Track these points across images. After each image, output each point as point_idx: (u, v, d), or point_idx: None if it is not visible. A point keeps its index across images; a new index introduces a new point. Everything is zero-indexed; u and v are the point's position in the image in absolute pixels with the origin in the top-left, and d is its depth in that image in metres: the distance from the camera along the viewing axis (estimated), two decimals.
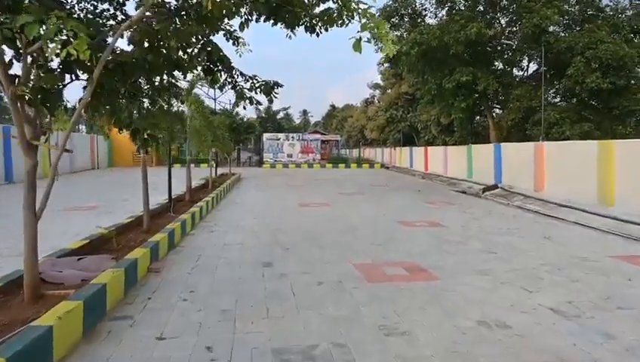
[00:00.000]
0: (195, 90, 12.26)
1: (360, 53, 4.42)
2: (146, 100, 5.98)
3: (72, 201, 13.49)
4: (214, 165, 20.15)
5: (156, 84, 6.04)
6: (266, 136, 39.99)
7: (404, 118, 32.64)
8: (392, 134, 36.87)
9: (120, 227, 7.94)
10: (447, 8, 21.10)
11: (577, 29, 18.87)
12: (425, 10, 21.47)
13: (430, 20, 21.83)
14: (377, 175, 29.86)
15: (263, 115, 47.64)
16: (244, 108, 5.82)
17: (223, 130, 14.10)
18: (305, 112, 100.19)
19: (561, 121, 17.46)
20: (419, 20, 21.04)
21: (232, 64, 4.89)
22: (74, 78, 4.49)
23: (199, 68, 4.92)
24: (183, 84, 11.81)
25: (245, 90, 4.97)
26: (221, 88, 5.07)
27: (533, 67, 22.83)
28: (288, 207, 12.95)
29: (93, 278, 4.81)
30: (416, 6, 20.67)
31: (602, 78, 16.33)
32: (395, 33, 20.22)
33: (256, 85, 4.92)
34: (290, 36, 6.60)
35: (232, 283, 5.56)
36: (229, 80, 4.97)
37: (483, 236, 8.76)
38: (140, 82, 5.72)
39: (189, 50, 4.67)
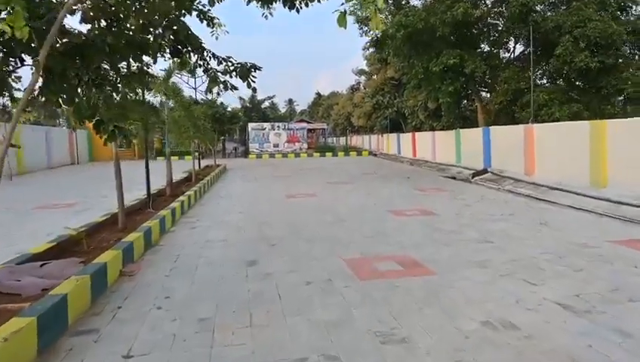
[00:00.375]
0: (175, 80, 11.65)
1: (345, 28, 3.98)
2: (111, 89, 5.44)
3: (48, 199, 12.85)
4: (198, 157, 19.53)
5: (123, 70, 5.52)
6: (251, 125, 39.24)
7: (390, 103, 32.14)
8: (379, 121, 36.41)
9: (93, 226, 7.41)
10: None
11: (564, 8, 18.53)
12: None
13: (415, 2, 21.35)
14: (365, 163, 29.49)
15: (248, 104, 46.71)
16: (219, 93, 5.32)
17: (205, 121, 13.51)
18: (290, 101, 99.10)
19: (550, 103, 17.18)
20: (403, 2, 20.48)
21: (203, 44, 4.36)
22: (19, 62, 3.95)
23: (167, 50, 4.38)
24: (157, 71, 11.18)
25: (219, 74, 4.46)
26: (192, 72, 4.57)
27: (519, 48, 22.53)
28: (275, 199, 12.48)
29: (56, 286, 4.32)
30: None
31: (591, 57, 16.05)
32: (380, 16, 19.69)
33: (231, 68, 4.41)
34: (266, 16, 6.09)
35: (213, 285, 5.11)
36: (200, 62, 4.45)
37: (477, 224, 8.42)
38: (106, 69, 5.19)
39: (152, 30, 4.14)
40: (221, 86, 4.44)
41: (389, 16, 19.90)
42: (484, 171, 18.12)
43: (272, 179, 18.75)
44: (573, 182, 12.20)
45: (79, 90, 4.77)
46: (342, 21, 3.94)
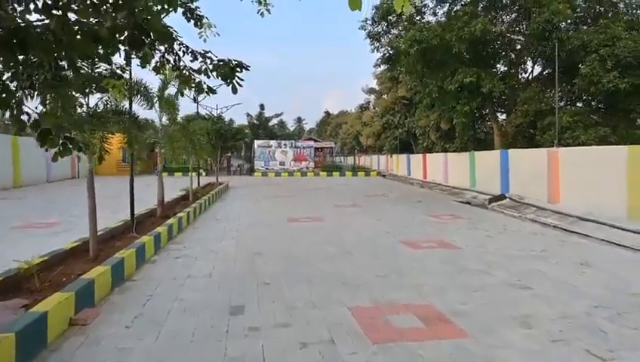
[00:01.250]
0: (171, 92, 10.71)
1: (359, 9, 2.94)
2: (71, 90, 4.43)
3: (33, 217, 11.87)
4: (200, 174, 18.55)
5: (83, 69, 4.54)
6: (257, 143, 38.42)
7: (401, 123, 31.10)
8: (389, 141, 35.41)
9: (58, 255, 6.33)
10: (447, 5, 19.71)
11: (589, 26, 17.54)
12: (424, 7, 20.09)
13: (429, 18, 20.50)
14: (374, 184, 28.37)
15: (255, 121, 46.05)
16: (195, 100, 4.28)
17: (201, 136, 12.56)
18: (299, 119, 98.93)
19: (574, 125, 16.03)
20: (417, 18, 19.63)
21: (173, 33, 3.33)
22: None
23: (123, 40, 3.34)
24: (151, 82, 10.24)
25: (193, 73, 3.41)
26: (157, 70, 3.51)
27: (538, 69, 21.53)
28: (275, 223, 11.37)
29: None
30: (415, 3, 19.27)
31: (620, 78, 14.93)
32: (393, 31, 18.81)
33: (210, 66, 3.37)
34: (262, 13, 5.13)
35: (181, 345, 3.97)
36: (169, 58, 3.42)
37: (507, 261, 7.22)
38: (63, 65, 4.18)
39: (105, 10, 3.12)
40: (194, 89, 3.40)
41: (403, 32, 19.03)
42: (502, 197, 16.89)
43: (275, 199, 17.68)
44: (605, 212, 10.97)
45: (21, 91, 3.76)
46: (355, 3, 2.94)
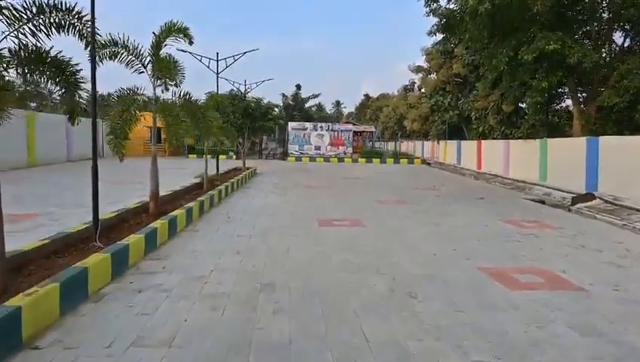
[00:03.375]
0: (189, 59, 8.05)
1: None
2: None
3: (16, 206, 9.66)
4: (216, 157, 16.04)
5: None
6: (291, 125, 35.77)
7: (452, 105, 27.35)
8: (435, 125, 31.79)
9: None
10: None
11: None
12: None
13: None
14: (419, 173, 25.12)
15: (290, 102, 43.25)
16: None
17: (208, 112, 9.95)
18: (338, 103, 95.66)
19: None
20: None
21: None
22: None
23: None
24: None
25: None
26: None
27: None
28: (302, 227, 8.63)
29: None
30: None
31: None
32: None
33: None
34: None
35: None
36: None
37: None
38: None
39: None
40: None
41: None
42: (590, 196, 13.38)
43: (307, 190, 14.94)
44: None
45: None
46: None
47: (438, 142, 34.19)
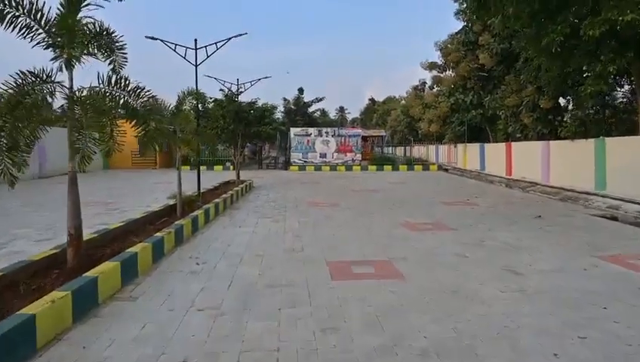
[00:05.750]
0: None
1: None
2: None
3: None
4: (197, 169, 12.94)
5: None
6: (293, 131, 32.65)
7: (474, 103, 24.01)
8: (452, 127, 28.56)
9: None
10: None
11: None
12: None
13: None
14: (440, 182, 21.92)
15: (292, 106, 40.16)
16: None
17: (184, 117, 7.00)
18: (342, 109, 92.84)
19: None
20: None
21: None
22: None
23: None
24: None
25: None
26: None
27: None
28: (303, 283, 5.47)
29: None
30: None
31: None
32: None
33: None
34: None
35: None
36: None
37: None
38: None
39: None
40: None
41: None
42: None
43: (311, 211, 11.80)
44: None
45: None
46: None
47: (455, 146, 30.96)
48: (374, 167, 30.94)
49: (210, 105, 15.61)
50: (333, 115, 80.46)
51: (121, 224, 7.96)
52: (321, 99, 42.44)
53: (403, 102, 47.19)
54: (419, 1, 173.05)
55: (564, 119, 18.48)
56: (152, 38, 12.10)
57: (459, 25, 24.67)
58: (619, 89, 15.87)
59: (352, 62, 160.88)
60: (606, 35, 10.94)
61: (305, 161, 31.91)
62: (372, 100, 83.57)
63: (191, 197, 10.95)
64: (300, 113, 40.61)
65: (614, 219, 11.29)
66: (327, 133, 32.89)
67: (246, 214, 11.24)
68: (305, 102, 42.04)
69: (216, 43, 12.20)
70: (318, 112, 48.49)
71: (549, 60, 13.36)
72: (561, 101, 19.28)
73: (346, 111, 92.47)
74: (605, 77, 12.05)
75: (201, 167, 32.50)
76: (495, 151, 23.71)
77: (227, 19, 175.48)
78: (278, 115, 29.60)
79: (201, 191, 14.22)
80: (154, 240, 6.63)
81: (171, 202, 10.45)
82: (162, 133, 6.63)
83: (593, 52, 12.21)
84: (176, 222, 8.14)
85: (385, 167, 31.06)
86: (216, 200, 11.64)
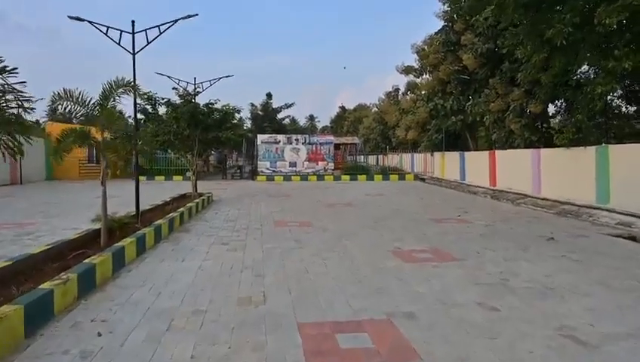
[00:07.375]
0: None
1: None
2: None
3: None
4: (135, 180, 10.57)
5: None
6: (260, 138, 30.42)
7: (455, 109, 22.39)
8: (430, 134, 27.10)
9: None
10: None
11: None
12: None
13: None
14: (420, 193, 20.21)
15: (260, 112, 37.83)
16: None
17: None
18: (312, 117, 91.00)
19: None
20: None
21: None
22: None
23: None
24: None
25: None
26: None
27: None
28: None
29: None
30: None
31: None
32: None
33: None
34: None
35: None
36: None
37: None
38: None
39: None
40: None
41: None
42: None
43: (278, 235, 9.65)
44: None
45: None
46: None
47: (432, 155, 29.51)
48: (348, 177, 29.05)
49: (162, 107, 13.35)
50: (303, 122, 78.49)
51: (6, 264, 5.59)
52: (290, 105, 40.32)
53: (375, 109, 45.70)
54: (386, 12, 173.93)
55: (558, 124, 17.06)
56: (78, 19, 9.70)
57: (433, 29, 23.29)
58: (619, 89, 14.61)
59: (323, 72, 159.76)
60: (622, 25, 9.41)
61: (273, 171, 29.69)
62: (342, 108, 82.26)
63: (123, 219, 8.58)
64: (268, 119, 38.35)
65: (633, 239, 9.69)
66: (297, 140, 30.82)
67: (196, 239, 8.96)
68: (273, 108, 39.83)
69: (159, 26, 9.96)
70: (288, 119, 46.43)
71: (553, 56, 11.74)
72: (550, 106, 17.96)
73: (316, 120, 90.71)
74: (619, 72, 10.51)
75: (158, 178, 29.79)
76: (477, 159, 22.23)
77: (189, 26, 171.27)
78: (246, 121, 27.28)
79: (150, 207, 11.86)
80: (33, 297, 4.34)
81: (97, 225, 8.07)
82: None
83: (604, 46, 10.69)
84: (85, 261, 5.82)
85: (359, 176, 29.22)
86: (160, 221, 9.31)
